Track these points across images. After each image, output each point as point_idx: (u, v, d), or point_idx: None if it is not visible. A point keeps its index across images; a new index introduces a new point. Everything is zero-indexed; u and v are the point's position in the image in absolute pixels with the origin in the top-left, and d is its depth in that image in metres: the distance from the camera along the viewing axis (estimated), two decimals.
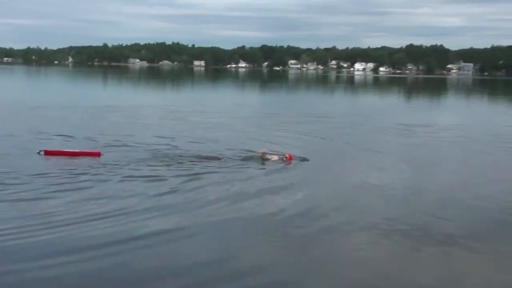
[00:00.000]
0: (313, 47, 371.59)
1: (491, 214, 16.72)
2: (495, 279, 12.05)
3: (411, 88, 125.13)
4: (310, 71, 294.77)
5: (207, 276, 11.44)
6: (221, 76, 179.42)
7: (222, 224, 14.81)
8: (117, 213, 15.12)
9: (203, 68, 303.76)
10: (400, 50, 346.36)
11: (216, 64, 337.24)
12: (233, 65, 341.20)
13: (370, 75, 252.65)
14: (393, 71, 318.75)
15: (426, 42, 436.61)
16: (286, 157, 23.14)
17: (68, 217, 14.61)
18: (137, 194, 17.10)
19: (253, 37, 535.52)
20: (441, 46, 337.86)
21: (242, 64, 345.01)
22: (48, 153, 23.00)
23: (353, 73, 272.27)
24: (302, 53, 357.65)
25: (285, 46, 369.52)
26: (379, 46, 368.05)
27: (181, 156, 23.41)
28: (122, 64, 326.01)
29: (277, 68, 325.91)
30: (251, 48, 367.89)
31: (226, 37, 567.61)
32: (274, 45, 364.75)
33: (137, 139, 28.02)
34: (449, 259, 12.87)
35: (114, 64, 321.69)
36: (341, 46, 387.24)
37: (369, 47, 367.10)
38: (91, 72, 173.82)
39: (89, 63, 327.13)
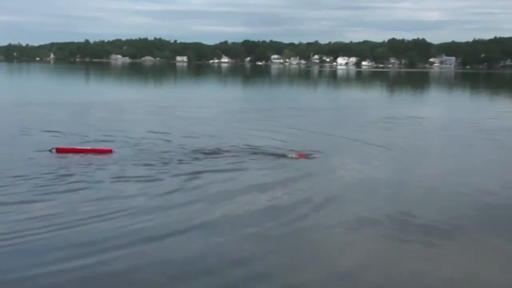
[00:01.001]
0: (296, 41, 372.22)
1: (473, 206, 17.01)
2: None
3: (394, 82, 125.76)
4: (292, 66, 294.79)
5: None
6: (204, 71, 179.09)
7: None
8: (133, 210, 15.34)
9: (185, 64, 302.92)
10: (382, 44, 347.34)
11: (198, 59, 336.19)
12: (216, 61, 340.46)
13: (352, 69, 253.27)
14: (375, 65, 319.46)
15: (408, 36, 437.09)
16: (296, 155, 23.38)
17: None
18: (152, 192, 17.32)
19: (236, 33, 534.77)
20: (423, 40, 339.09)
21: (225, 59, 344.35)
22: (60, 150, 23.16)
23: (335, 68, 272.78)
24: (284, 48, 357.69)
25: (268, 41, 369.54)
26: (361, 40, 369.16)
27: (196, 151, 23.79)
28: (104, 60, 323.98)
29: (260, 63, 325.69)
30: (233, 43, 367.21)
31: (209, 33, 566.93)
32: (256, 40, 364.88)
33: (131, 134, 28.36)
34: (431, 251, 13.17)
35: (96, 60, 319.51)
36: (323, 40, 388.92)
37: (351, 42, 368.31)
38: (73, 69, 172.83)
39: (71, 60, 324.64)
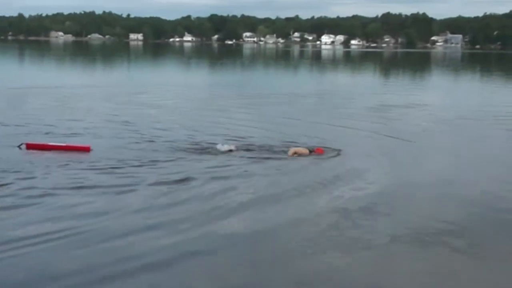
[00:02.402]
0: (272, 16, 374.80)
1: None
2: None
3: (389, 65, 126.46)
4: (269, 45, 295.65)
5: None
6: (163, 52, 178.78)
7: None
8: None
9: (141, 43, 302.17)
10: (375, 19, 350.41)
11: (156, 37, 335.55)
12: (177, 39, 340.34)
13: (340, 49, 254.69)
14: (367, 44, 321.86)
15: (406, 10, 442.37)
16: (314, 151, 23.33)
17: None
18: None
19: (201, 5, 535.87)
20: (424, 14, 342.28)
21: (188, 37, 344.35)
22: (31, 146, 23.12)
23: (319, 47, 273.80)
24: (259, 24, 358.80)
25: (239, 15, 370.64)
26: (350, 15, 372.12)
27: (180, 147, 23.80)
28: (42, 38, 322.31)
29: (230, 42, 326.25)
30: (198, 18, 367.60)
31: (168, 5, 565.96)
32: (225, 14, 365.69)
33: (86, 125, 28.58)
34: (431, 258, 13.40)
35: (32, 38, 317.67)
36: (305, 15, 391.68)
37: (338, 17, 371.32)
38: (4, 48, 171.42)
39: (2, 38, 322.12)
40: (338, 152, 23.51)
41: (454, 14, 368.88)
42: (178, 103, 40.66)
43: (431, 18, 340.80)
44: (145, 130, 27.63)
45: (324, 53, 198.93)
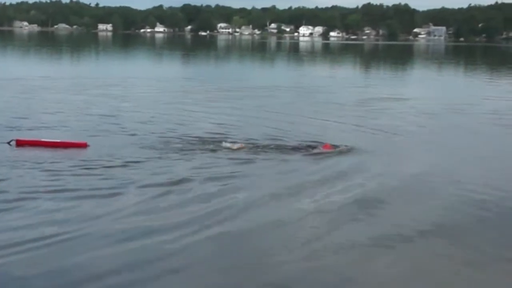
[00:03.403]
0: (248, 6, 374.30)
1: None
2: None
3: (370, 57, 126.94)
4: (244, 37, 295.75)
5: None
6: (134, 43, 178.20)
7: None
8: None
9: (110, 34, 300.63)
10: (355, 10, 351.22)
11: (126, 28, 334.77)
12: (148, 30, 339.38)
13: (318, 41, 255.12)
14: (347, 36, 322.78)
15: (388, 1, 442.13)
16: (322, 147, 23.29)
17: None
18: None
19: None
20: (406, 5, 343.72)
21: (160, 28, 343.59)
22: (21, 143, 22.63)
23: (297, 39, 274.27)
24: (234, 15, 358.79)
25: (213, 5, 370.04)
26: (329, 5, 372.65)
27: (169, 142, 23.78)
28: (5, 28, 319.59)
29: (204, 33, 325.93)
30: (170, 8, 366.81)
31: None
32: (199, 4, 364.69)
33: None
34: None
35: None
36: (282, 5, 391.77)
37: (317, 7, 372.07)
38: None
39: None
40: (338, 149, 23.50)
41: (437, 6, 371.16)
42: (154, 96, 40.58)
43: (414, 10, 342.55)
44: (127, 124, 27.66)
45: (302, 45, 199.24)
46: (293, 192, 17.86)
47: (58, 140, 23.05)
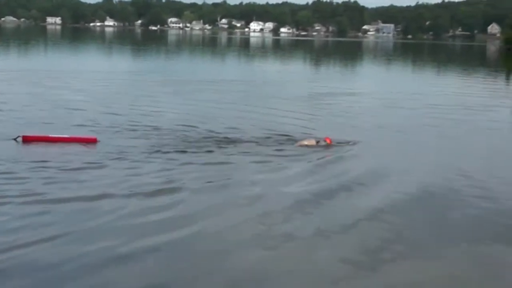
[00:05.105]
0: (199, 1, 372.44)
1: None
2: None
3: (319, 53, 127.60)
4: (195, 32, 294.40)
5: None
6: (83, 36, 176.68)
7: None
8: None
9: (59, 27, 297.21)
10: (305, 7, 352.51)
11: (75, 21, 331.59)
12: (98, 24, 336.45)
13: (269, 37, 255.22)
14: (297, 32, 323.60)
15: None
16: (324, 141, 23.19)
17: None
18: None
19: None
20: (355, 3, 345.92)
21: (110, 22, 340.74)
22: (27, 139, 21.99)
23: (248, 35, 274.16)
24: (185, 10, 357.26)
25: (164, 0, 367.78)
26: (280, 1, 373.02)
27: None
28: None
29: (154, 28, 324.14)
30: (120, 2, 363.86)
31: None
32: None
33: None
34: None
35: None
36: (233, 1, 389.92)
37: (267, 3, 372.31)
38: None
39: None
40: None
41: (386, 3, 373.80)
42: (106, 89, 40.45)
43: (363, 7, 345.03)
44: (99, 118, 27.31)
45: (253, 40, 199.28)
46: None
47: (67, 136, 22.37)
